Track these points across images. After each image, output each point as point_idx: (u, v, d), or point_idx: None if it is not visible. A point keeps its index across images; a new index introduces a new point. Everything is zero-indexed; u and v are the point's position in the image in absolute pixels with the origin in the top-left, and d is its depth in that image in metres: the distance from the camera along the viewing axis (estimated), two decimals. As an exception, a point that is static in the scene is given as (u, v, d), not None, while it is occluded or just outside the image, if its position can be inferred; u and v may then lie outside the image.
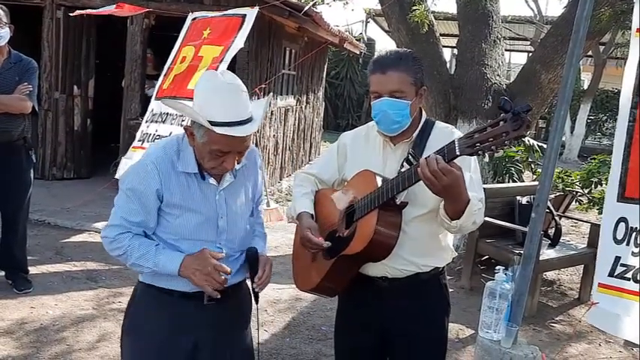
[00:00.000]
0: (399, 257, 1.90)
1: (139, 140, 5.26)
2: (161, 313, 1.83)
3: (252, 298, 1.95)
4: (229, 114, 1.63)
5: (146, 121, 5.29)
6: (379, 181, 1.83)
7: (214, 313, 1.83)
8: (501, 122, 1.52)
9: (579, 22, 2.28)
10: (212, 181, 1.79)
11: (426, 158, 1.65)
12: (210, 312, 1.83)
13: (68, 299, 3.94)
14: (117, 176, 5.26)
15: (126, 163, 5.15)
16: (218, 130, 1.62)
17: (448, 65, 6.38)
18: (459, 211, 1.74)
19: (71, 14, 6.37)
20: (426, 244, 1.96)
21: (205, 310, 1.82)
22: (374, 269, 1.95)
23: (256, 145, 6.58)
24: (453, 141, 1.62)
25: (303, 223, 1.99)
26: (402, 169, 1.83)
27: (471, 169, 1.88)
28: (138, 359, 1.87)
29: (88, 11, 6.25)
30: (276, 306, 4.09)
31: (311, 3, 5.69)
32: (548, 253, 4.63)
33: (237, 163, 1.75)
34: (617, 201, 2.41)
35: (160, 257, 1.74)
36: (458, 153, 1.60)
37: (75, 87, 7.34)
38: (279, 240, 5.39)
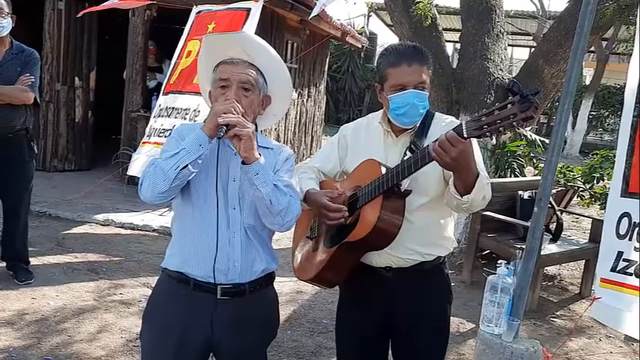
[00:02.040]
0: (403, 246, 1.91)
1: (147, 135, 5.28)
2: (175, 302, 1.83)
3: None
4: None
5: (154, 117, 5.30)
6: (383, 170, 1.83)
7: (229, 310, 1.82)
8: (509, 105, 1.51)
9: (584, 17, 2.27)
10: (232, 145, 1.79)
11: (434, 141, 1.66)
12: (224, 308, 1.82)
13: (69, 290, 3.95)
14: (130, 173, 5.27)
15: (136, 159, 5.16)
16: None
17: (450, 60, 6.35)
18: (469, 185, 1.73)
19: (78, 15, 6.34)
20: (430, 233, 1.97)
21: (219, 306, 1.81)
22: (378, 259, 1.96)
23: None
24: (461, 124, 1.62)
25: (316, 194, 1.97)
26: (406, 158, 1.82)
27: (474, 152, 1.88)
28: (152, 346, 1.88)
29: (93, 8, 6.20)
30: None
31: (319, 9, 5.63)
32: (549, 248, 4.62)
33: (245, 97, 1.79)
34: (621, 196, 2.41)
35: (184, 143, 1.72)
36: (466, 135, 1.60)
37: (76, 79, 7.32)
38: (279, 233, 5.37)
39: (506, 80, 5.37)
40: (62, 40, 7.10)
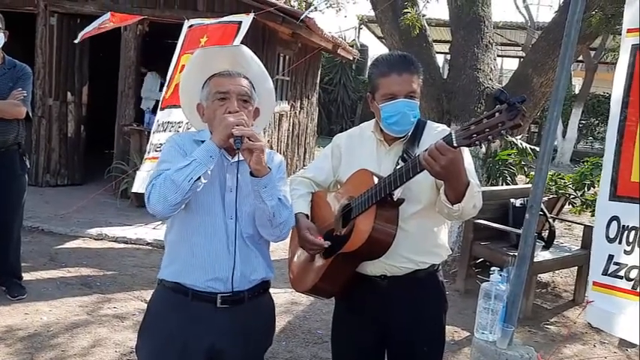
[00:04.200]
0: (397, 255, 1.92)
1: (148, 152, 5.28)
2: (174, 313, 1.83)
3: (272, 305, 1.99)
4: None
5: (153, 132, 5.30)
6: (376, 180, 1.85)
7: (229, 318, 1.82)
8: (497, 113, 1.53)
9: (570, 25, 2.31)
10: (226, 155, 1.83)
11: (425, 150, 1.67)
12: (224, 316, 1.82)
13: (62, 305, 3.92)
14: (134, 190, 5.26)
15: (139, 176, 5.15)
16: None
17: (442, 71, 6.41)
18: (459, 193, 1.75)
19: (75, 41, 6.32)
20: (423, 240, 1.98)
21: (219, 314, 1.82)
22: (373, 268, 1.97)
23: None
24: (450, 133, 1.64)
25: (301, 224, 2.00)
26: (398, 167, 1.84)
27: (465, 162, 1.90)
28: (148, 357, 1.88)
29: (89, 33, 6.14)
30: (272, 310, 4.08)
31: (306, 12, 5.71)
32: (542, 255, 4.65)
33: (244, 109, 1.81)
34: (609, 200, 2.43)
35: (193, 154, 1.72)
36: (455, 144, 1.61)
37: (69, 93, 7.33)
38: (274, 244, 5.36)
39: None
40: (54, 56, 7.12)
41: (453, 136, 1.62)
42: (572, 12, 2.33)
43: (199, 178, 1.69)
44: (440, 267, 2.08)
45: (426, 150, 1.67)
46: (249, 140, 1.69)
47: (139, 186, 5.03)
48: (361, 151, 2.04)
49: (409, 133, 1.97)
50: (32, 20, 7.07)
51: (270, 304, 2.00)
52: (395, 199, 1.83)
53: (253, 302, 1.88)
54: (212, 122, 1.82)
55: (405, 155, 1.90)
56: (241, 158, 1.82)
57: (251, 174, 1.73)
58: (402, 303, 1.98)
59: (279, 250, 5.24)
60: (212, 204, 1.81)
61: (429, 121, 2.04)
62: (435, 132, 1.96)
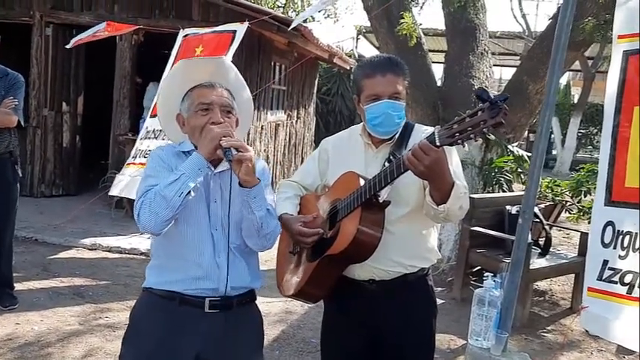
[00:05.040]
0: (385, 258, 1.89)
1: (133, 157, 5.26)
2: (161, 318, 1.80)
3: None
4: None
5: (140, 138, 5.29)
6: (362, 182, 1.83)
7: (217, 323, 1.80)
8: (479, 112, 1.52)
9: (561, 29, 2.31)
10: (209, 165, 1.80)
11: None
12: (212, 321, 1.79)
13: (54, 315, 3.88)
14: (111, 193, 5.23)
15: (120, 180, 5.13)
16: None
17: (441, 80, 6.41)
18: (444, 194, 1.73)
19: (67, 46, 6.35)
20: (412, 244, 1.96)
21: (207, 319, 1.79)
22: (361, 272, 1.94)
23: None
24: (433, 132, 1.63)
25: (290, 221, 1.98)
26: (383, 168, 1.82)
27: (453, 163, 1.88)
28: None
29: (82, 40, 6.18)
30: (266, 319, 3.99)
31: (298, 19, 5.72)
32: (538, 262, 4.62)
33: (228, 119, 1.81)
34: (605, 205, 2.41)
35: (181, 168, 1.70)
36: (438, 143, 1.60)
37: (64, 104, 7.32)
38: (269, 254, 5.33)
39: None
40: (49, 66, 7.12)
41: (436, 135, 1.61)
42: (563, 15, 2.33)
43: (189, 192, 1.68)
44: (429, 271, 2.06)
45: (409, 150, 1.66)
46: (238, 151, 1.67)
47: (119, 190, 4.98)
48: (349, 154, 2.02)
49: (396, 136, 1.95)
50: (28, 31, 7.07)
51: (258, 312, 1.98)
52: (381, 201, 1.81)
53: (242, 308, 1.85)
54: (195, 134, 1.81)
55: (391, 157, 1.88)
56: (224, 168, 1.81)
57: (240, 184, 1.72)
58: (390, 307, 1.95)
59: (274, 260, 5.21)
60: (197, 215, 1.79)
61: (417, 124, 2.03)
62: (423, 134, 1.94)
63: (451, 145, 1.60)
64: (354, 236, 1.77)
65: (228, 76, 1.92)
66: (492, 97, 1.49)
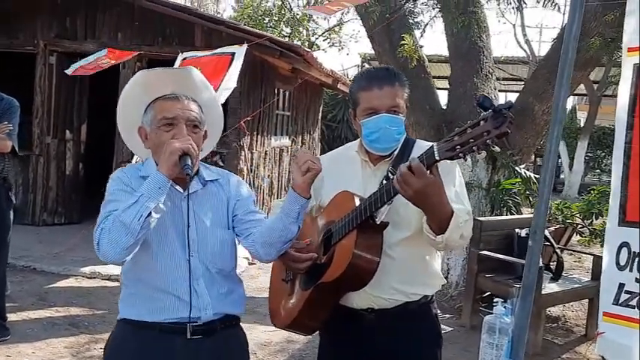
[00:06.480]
0: (385, 285, 1.75)
1: None
2: (139, 349, 1.67)
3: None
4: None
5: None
6: (357, 201, 1.70)
7: (200, 349, 1.68)
8: (482, 122, 1.39)
9: (567, 43, 2.22)
10: (177, 187, 1.69)
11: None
12: (195, 348, 1.67)
13: (47, 346, 3.75)
14: None
15: None
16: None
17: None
18: (442, 223, 1.59)
19: (66, 71, 6.32)
20: (414, 270, 1.82)
21: (190, 346, 1.67)
22: (358, 300, 1.80)
23: (250, 185, 6.48)
24: (432, 146, 1.50)
25: None
26: (380, 187, 1.70)
27: (455, 184, 1.75)
28: None
29: (84, 69, 6.13)
30: (267, 349, 3.89)
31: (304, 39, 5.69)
32: (550, 287, 4.45)
33: (194, 134, 1.68)
34: (619, 225, 2.29)
35: (140, 189, 1.57)
36: (437, 158, 1.47)
37: (67, 131, 7.29)
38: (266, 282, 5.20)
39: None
40: (53, 94, 7.10)
41: (435, 149, 1.47)
42: (569, 30, 2.24)
43: (150, 214, 1.54)
44: (433, 298, 1.91)
45: (399, 170, 1.51)
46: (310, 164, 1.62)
47: None
48: (345, 172, 1.89)
49: (396, 152, 1.82)
50: (32, 60, 7.09)
51: (243, 336, 1.85)
52: (378, 222, 1.67)
53: (226, 332, 1.73)
54: (157, 151, 1.67)
55: (390, 175, 1.74)
56: (194, 189, 1.70)
57: (298, 194, 1.64)
58: (391, 339, 1.80)
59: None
60: (170, 242, 1.67)
61: (418, 140, 1.90)
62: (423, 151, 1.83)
63: (452, 159, 1.46)
64: (350, 261, 1.63)
65: (198, 91, 1.78)
66: (496, 105, 1.37)
